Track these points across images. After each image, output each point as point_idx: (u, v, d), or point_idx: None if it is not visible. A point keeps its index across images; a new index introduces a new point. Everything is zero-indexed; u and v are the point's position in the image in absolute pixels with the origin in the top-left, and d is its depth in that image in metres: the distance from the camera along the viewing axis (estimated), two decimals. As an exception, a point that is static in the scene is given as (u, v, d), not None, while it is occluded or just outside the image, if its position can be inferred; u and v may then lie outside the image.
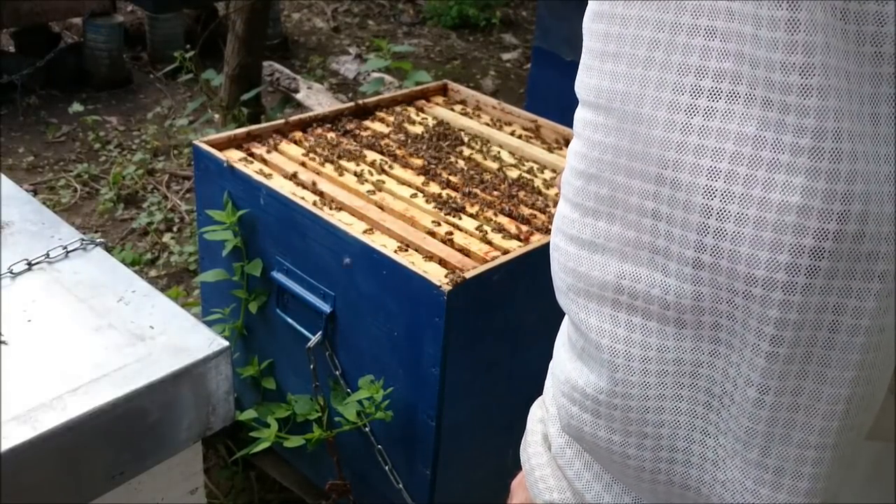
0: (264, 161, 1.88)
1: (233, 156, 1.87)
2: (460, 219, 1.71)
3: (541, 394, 0.82)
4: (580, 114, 0.60)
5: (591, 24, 0.59)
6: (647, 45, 0.54)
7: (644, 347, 0.58)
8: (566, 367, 0.66)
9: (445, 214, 1.71)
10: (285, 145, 1.95)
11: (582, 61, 0.60)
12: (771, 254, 0.50)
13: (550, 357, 0.93)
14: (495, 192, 1.82)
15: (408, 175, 1.87)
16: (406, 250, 1.59)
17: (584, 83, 0.60)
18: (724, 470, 0.59)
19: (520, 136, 2.12)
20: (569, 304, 0.64)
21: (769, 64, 0.49)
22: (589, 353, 0.62)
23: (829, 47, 0.48)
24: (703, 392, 0.58)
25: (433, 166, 1.90)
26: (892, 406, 0.61)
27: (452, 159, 1.95)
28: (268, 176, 1.79)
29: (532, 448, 0.78)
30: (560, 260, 0.63)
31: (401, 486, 1.68)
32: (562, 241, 0.63)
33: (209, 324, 1.63)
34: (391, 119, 2.14)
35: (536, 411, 0.81)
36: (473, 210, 1.74)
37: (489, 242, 1.64)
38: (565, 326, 0.69)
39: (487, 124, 2.18)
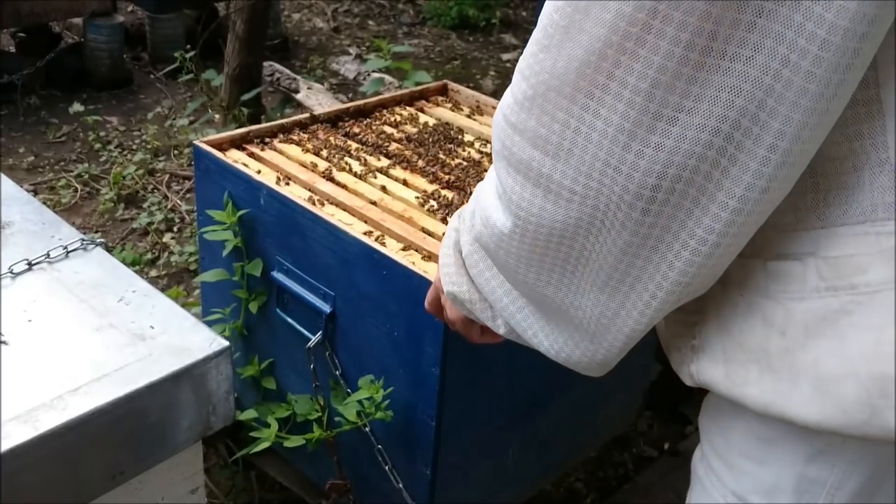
0: (264, 161, 1.88)
1: (233, 156, 1.87)
2: (460, 219, 1.71)
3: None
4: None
5: None
6: None
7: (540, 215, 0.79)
8: (488, 201, 0.86)
9: (445, 215, 1.71)
10: (285, 145, 1.95)
11: None
12: None
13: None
14: (495, 193, 1.81)
15: (407, 175, 1.87)
16: (406, 250, 1.59)
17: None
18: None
19: (520, 137, 2.12)
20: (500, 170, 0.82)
21: None
22: (504, 201, 0.82)
23: None
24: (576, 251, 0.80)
25: (433, 166, 1.90)
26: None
27: (452, 159, 1.95)
28: (268, 176, 1.79)
29: (445, 249, 1.00)
30: (500, 135, 0.82)
31: (401, 486, 1.68)
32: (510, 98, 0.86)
33: (209, 324, 1.63)
34: (391, 119, 2.14)
35: (454, 220, 1.00)
36: (473, 210, 1.74)
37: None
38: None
39: (487, 124, 2.18)
